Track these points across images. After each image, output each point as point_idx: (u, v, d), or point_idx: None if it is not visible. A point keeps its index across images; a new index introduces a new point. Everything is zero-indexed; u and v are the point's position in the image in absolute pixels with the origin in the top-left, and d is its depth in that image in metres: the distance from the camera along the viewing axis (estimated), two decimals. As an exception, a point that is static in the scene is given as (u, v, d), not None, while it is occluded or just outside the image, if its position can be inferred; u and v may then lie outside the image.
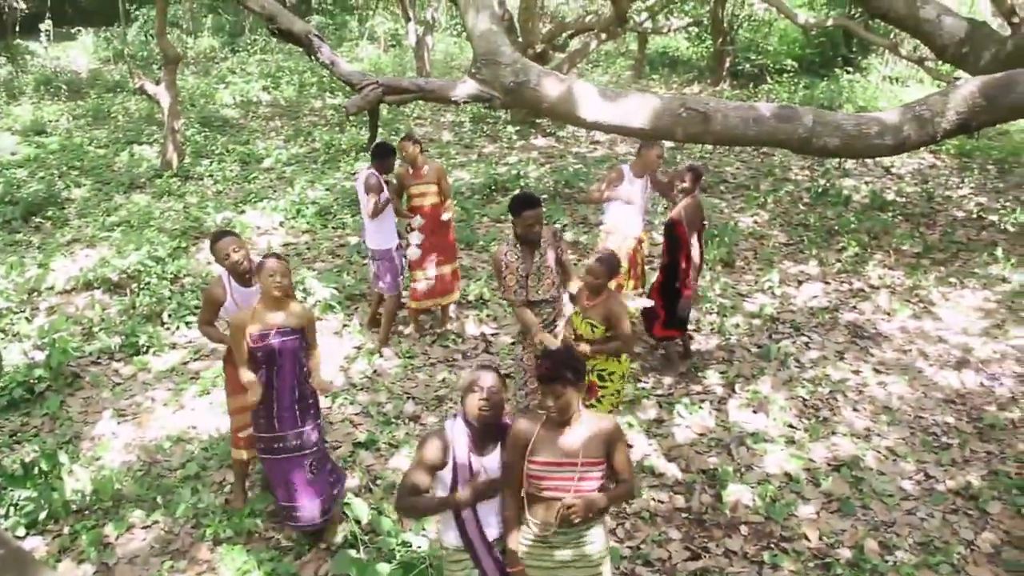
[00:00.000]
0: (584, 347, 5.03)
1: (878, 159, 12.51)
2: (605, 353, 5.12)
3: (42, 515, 5.15)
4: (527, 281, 5.23)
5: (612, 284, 5.48)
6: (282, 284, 4.41)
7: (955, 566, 4.73)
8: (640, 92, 4.40)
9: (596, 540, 3.59)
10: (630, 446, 5.87)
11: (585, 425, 3.44)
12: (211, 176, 12.32)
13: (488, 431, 3.53)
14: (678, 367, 6.92)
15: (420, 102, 16.88)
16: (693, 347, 7.22)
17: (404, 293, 7.40)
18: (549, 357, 3.50)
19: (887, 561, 4.77)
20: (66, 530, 5.15)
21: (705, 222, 6.87)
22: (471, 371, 3.53)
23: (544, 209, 5.52)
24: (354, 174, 11.67)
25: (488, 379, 3.45)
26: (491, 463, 3.54)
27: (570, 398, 3.34)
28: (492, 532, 3.62)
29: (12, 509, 5.19)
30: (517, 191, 11.01)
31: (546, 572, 3.56)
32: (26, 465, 5.45)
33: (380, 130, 12.86)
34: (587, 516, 3.36)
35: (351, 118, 15.28)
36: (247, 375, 4.51)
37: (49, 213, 10.85)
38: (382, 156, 6.87)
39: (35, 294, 8.43)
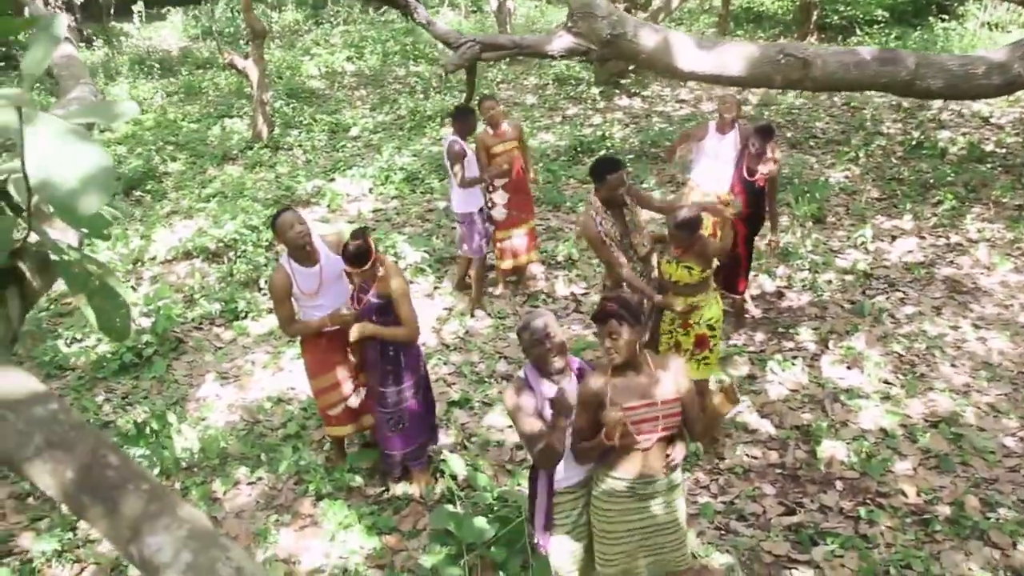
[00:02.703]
0: (675, 303, 5.03)
1: (976, 111, 12.03)
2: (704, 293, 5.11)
3: (155, 471, 5.42)
4: (631, 241, 5.24)
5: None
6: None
7: (1061, 523, 4.62)
8: (736, 41, 4.33)
9: (682, 503, 3.64)
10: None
11: (655, 367, 3.46)
12: (300, 146, 12.57)
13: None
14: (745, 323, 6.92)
15: (502, 65, 16.68)
16: (783, 304, 7.15)
17: (491, 255, 7.45)
18: (605, 299, 3.50)
19: (988, 519, 4.67)
20: (177, 485, 5.41)
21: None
22: (523, 321, 3.53)
23: (631, 169, 5.50)
24: (440, 139, 11.78)
25: (540, 326, 3.46)
26: (570, 386, 3.54)
27: (628, 339, 3.34)
28: (563, 479, 3.65)
29: (128, 466, 5.44)
30: (602, 153, 10.97)
31: (637, 531, 3.58)
32: (138, 425, 5.77)
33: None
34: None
35: (436, 84, 15.39)
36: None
37: (148, 187, 11.24)
38: (463, 117, 6.92)
39: (139, 264, 8.80)
